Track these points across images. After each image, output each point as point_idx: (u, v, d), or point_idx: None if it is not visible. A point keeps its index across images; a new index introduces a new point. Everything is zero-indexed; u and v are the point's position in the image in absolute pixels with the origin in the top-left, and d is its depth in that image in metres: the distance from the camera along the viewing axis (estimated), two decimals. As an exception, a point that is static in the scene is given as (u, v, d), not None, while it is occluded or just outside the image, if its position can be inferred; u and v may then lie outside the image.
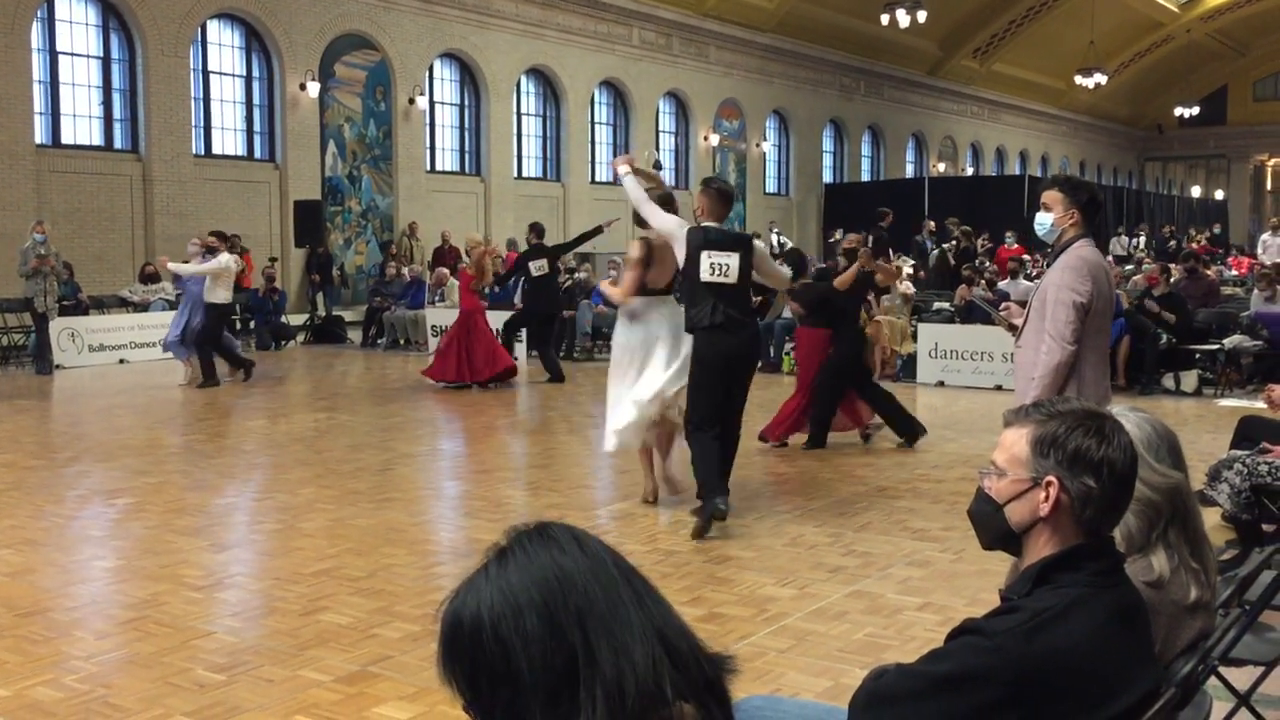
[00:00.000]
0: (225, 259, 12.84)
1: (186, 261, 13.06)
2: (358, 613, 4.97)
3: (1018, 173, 38.61)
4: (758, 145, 30.69)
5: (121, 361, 15.13)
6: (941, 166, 37.25)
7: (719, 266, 6.38)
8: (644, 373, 6.90)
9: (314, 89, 20.29)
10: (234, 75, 19.95)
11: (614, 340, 7.20)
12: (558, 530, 1.38)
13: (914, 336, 13.65)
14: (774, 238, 25.84)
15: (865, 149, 35.37)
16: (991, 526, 2.21)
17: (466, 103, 23.83)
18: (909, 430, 9.02)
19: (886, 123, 35.35)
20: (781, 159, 32.32)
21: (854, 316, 9.25)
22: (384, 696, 4.05)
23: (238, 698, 4.04)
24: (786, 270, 7.64)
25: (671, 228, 6.60)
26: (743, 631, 4.65)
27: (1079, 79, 36.35)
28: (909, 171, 36.47)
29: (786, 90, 31.17)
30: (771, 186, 31.98)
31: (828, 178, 33.54)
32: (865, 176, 34.77)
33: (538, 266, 13.34)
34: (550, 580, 1.32)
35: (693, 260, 6.39)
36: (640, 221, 6.94)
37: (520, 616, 1.30)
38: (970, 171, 38.85)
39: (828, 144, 33.88)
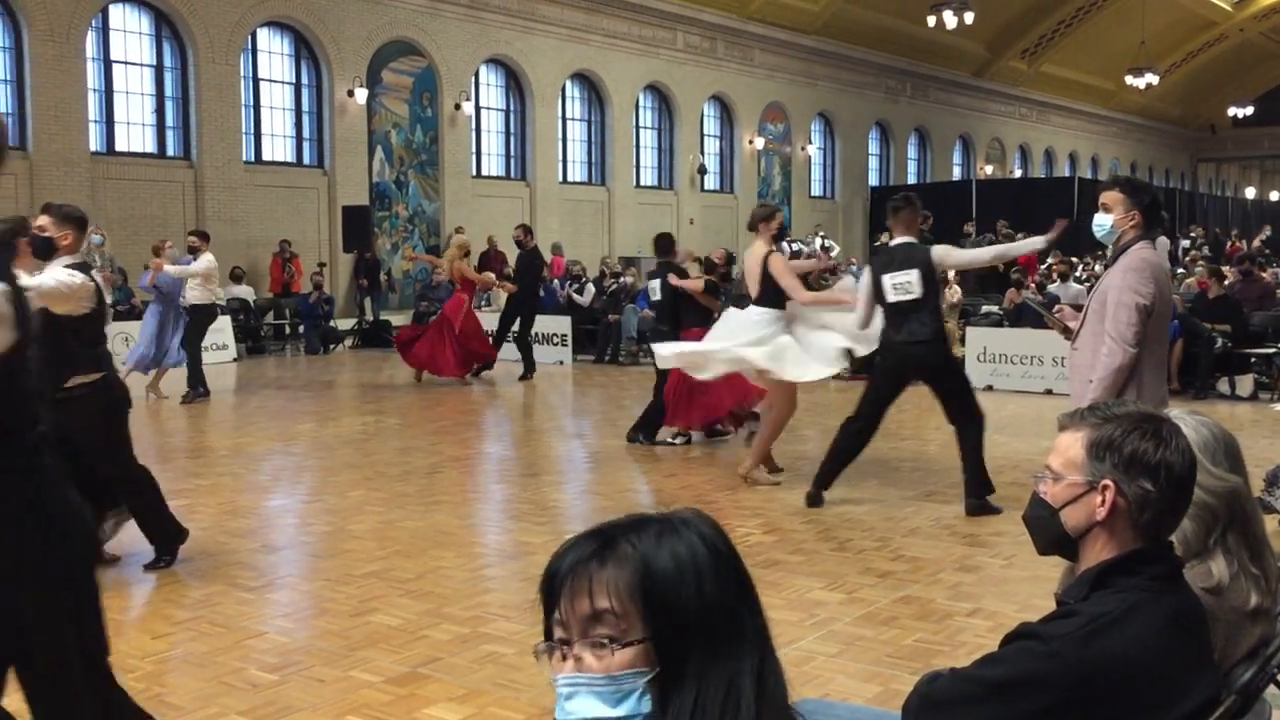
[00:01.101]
0: (211, 258, 12.33)
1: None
2: (407, 614, 5.01)
3: (1067, 175, 38.20)
4: (803, 148, 30.59)
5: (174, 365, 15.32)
6: (989, 169, 36.93)
7: (901, 286, 6.83)
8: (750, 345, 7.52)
9: (362, 95, 20.50)
10: (283, 82, 20.20)
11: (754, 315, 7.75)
12: (685, 515, 1.43)
13: (962, 340, 13.54)
14: (818, 241, 25.74)
15: (911, 151, 35.15)
16: (1047, 531, 2.20)
17: (512, 108, 23.96)
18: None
19: (933, 125, 35.11)
20: (826, 162, 32.19)
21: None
22: (434, 698, 4.08)
23: (290, 697, 4.09)
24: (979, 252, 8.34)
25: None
26: (791, 636, 4.64)
27: (1130, 79, 35.89)
28: (956, 174, 36.18)
29: (831, 93, 31.05)
30: (817, 190, 31.87)
31: (873, 181, 33.35)
32: (911, 179, 34.53)
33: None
34: (714, 556, 1.37)
35: (876, 284, 6.89)
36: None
37: (699, 570, 1.34)
38: (1018, 174, 38.48)
39: (873, 147, 33.70)
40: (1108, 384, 4.43)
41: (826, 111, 31.33)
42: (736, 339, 7.57)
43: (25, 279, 4.52)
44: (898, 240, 7.06)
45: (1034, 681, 1.92)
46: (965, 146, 37.14)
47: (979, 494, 6.86)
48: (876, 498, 7.31)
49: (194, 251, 12.50)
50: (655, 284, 10.30)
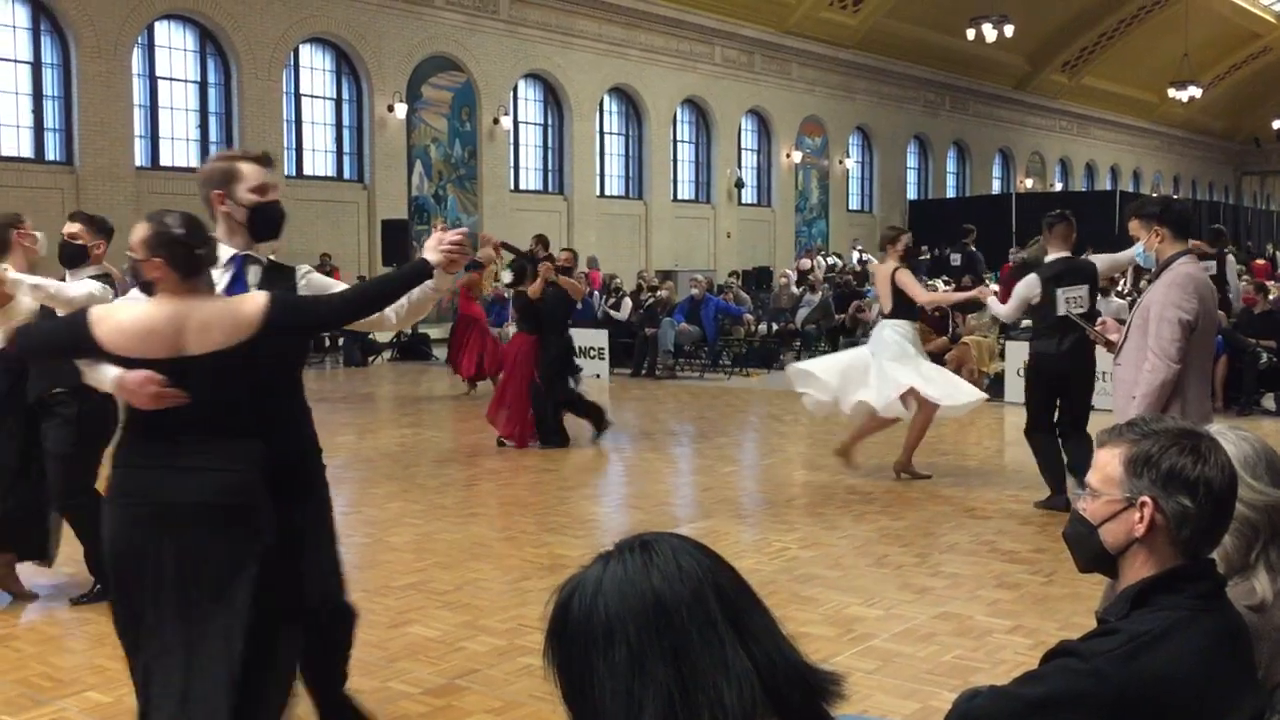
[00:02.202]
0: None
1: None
2: (445, 626, 5.04)
3: (1109, 188, 37.88)
4: (840, 162, 30.54)
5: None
6: (1029, 182, 36.70)
7: (1075, 300, 7.12)
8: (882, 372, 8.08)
9: (401, 110, 20.71)
10: (324, 98, 20.45)
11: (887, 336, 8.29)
12: (663, 550, 1.37)
13: (1001, 355, 13.45)
14: (856, 255, 25.67)
15: (950, 165, 35.00)
16: (1087, 548, 2.19)
17: (550, 122, 24.10)
18: (601, 421, 10.24)
19: (972, 138, 34.95)
20: (865, 176, 32.12)
21: (560, 324, 10.14)
22: (471, 710, 4.10)
23: (329, 707, 4.12)
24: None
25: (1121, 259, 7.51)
26: (828, 651, 4.62)
27: (1172, 92, 35.56)
28: (995, 188, 35.98)
29: (870, 106, 30.99)
30: (854, 204, 31.79)
31: (912, 194, 33.24)
32: (950, 193, 34.38)
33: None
34: (647, 613, 1.31)
35: (1048, 296, 7.12)
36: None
37: (611, 645, 1.30)
38: (1059, 187, 38.20)
39: (912, 160, 33.59)
40: (1150, 399, 4.40)
41: (865, 125, 31.26)
42: (880, 358, 8.15)
43: (35, 279, 4.59)
44: (1061, 255, 7.33)
45: (1074, 700, 1.91)
46: (1005, 160, 36.93)
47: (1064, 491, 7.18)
48: (915, 513, 7.27)
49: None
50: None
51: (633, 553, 1.37)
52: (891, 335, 8.18)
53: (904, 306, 8.19)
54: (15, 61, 16.64)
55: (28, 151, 16.80)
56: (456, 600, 5.44)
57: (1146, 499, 2.02)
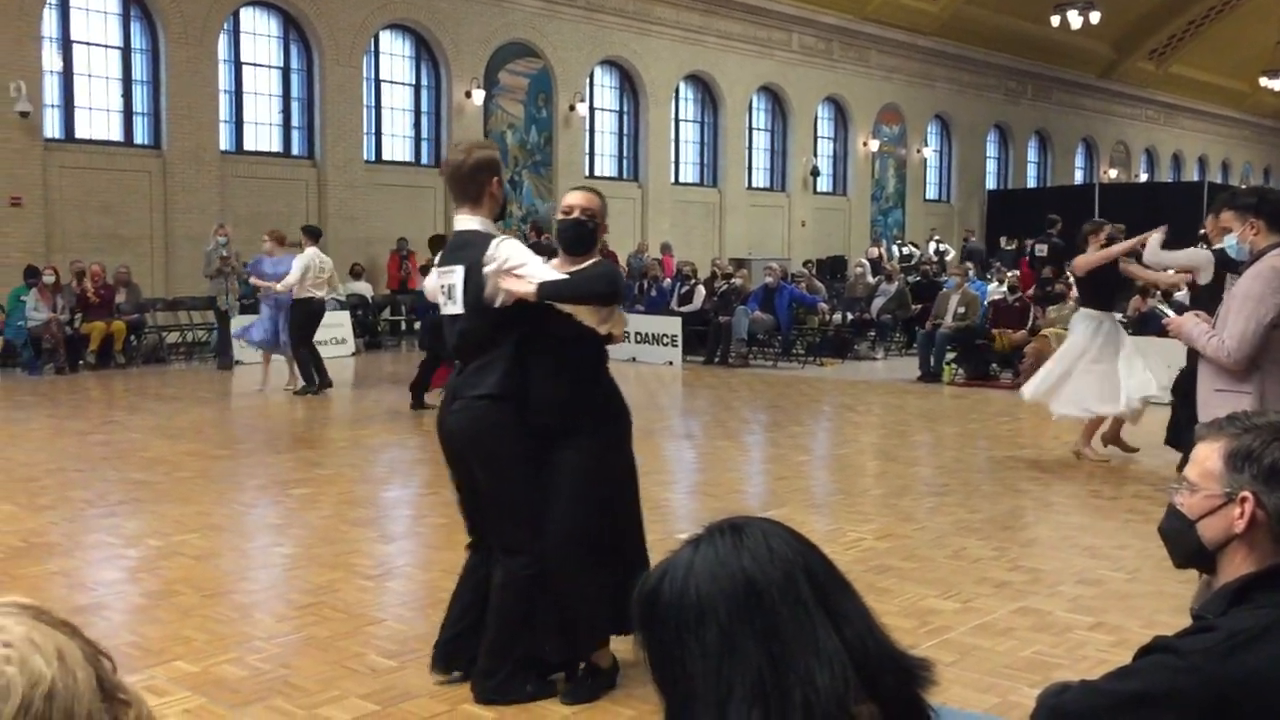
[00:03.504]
0: (309, 254, 12.41)
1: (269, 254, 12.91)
2: (520, 607, 5.08)
3: (1196, 179, 36.92)
4: (918, 151, 30.16)
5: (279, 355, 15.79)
6: (1113, 173, 35.91)
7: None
8: (1085, 376, 8.54)
9: (479, 96, 20.85)
10: (403, 84, 20.66)
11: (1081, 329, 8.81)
12: (753, 533, 1.36)
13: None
14: (933, 245, 25.35)
15: (1031, 154, 34.37)
16: (1183, 544, 2.15)
17: (625, 109, 24.11)
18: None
19: (1055, 127, 34.29)
20: (943, 165, 31.68)
21: None
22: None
23: (409, 683, 4.20)
24: None
25: (1195, 260, 7.89)
26: (905, 643, 4.58)
27: (1264, 81, 34.54)
28: (1078, 178, 35.26)
29: (949, 94, 30.54)
30: (932, 193, 31.38)
31: (991, 184, 32.71)
32: (1031, 183, 33.77)
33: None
34: (738, 594, 1.31)
35: (1218, 280, 7.28)
36: None
37: (703, 625, 1.30)
38: (1144, 178, 37.32)
39: (992, 149, 33.05)
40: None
41: (944, 113, 30.83)
42: (1073, 354, 8.64)
43: None
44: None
45: (1168, 697, 1.87)
46: (1088, 149, 36.18)
47: None
48: (992, 506, 7.18)
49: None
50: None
51: (723, 535, 1.37)
52: (1090, 326, 8.65)
53: (1093, 296, 8.66)
54: (106, 47, 17.04)
55: (117, 135, 17.21)
56: (532, 582, 5.48)
57: (1247, 494, 1.98)
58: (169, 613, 4.99)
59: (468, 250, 3.97)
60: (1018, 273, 17.01)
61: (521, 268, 3.85)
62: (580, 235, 4.10)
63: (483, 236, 3.98)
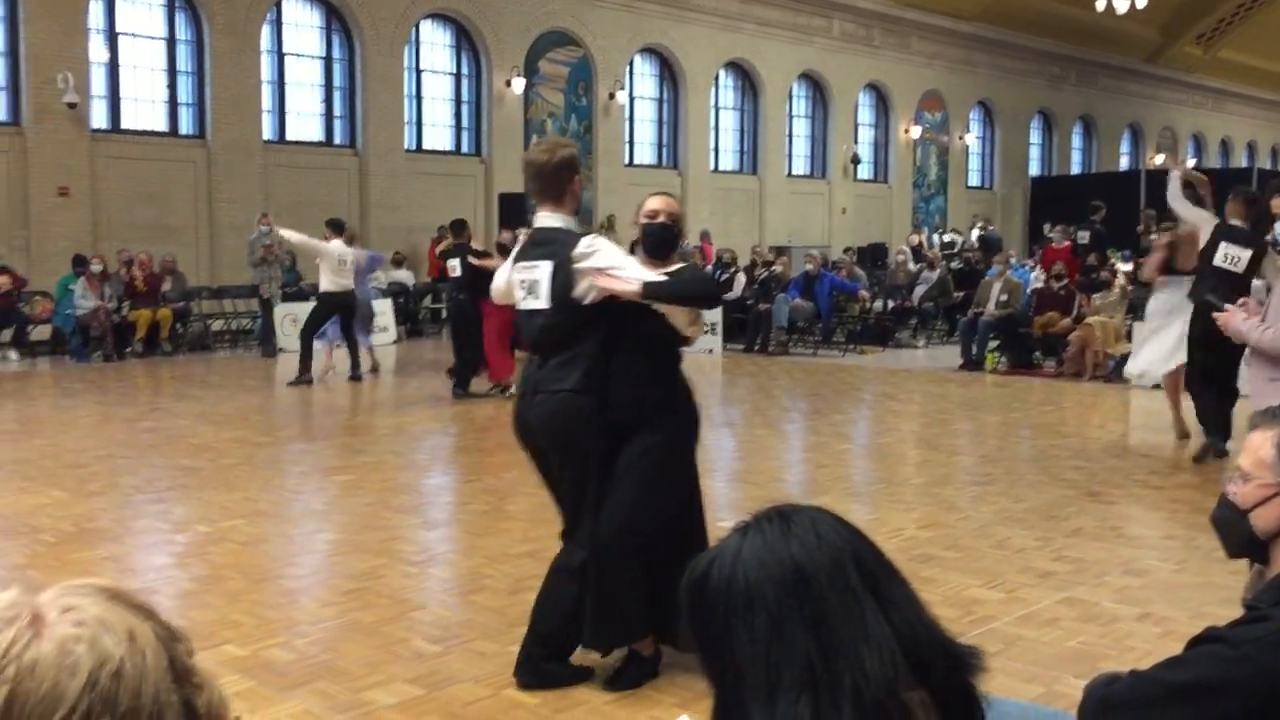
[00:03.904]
0: (332, 245, 12.46)
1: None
2: (563, 594, 5.10)
3: (1245, 165, 36.32)
4: (961, 137, 29.89)
5: (339, 346, 15.92)
6: (1160, 159, 35.39)
7: (1231, 257, 7.73)
8: (1155, 338, 9.02)
9: (519, 85, 20.89)
10: (444, 73, 20.73)
11: (1149, 306, 9.38)
12: (801, 520, 1.36)
13: (1128, 336, 13.05)
14: (975, 232, 25.12)
15: (1076, 140, 33.97)
16: (1236, 534, 2.13)
17: (665, 97, 24.07)
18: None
19: (1099, 113, 33.85)
20: (985, 151, 31.38)
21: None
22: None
23: (453, 668, 4.23)
24: None
25: (1199, 219, 8.21)
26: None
27: (1316, 64, 33.89)
28: (1123, 164, 34.80)
29: (992, 80, 30.23)
30: (975, 180, 31.10)
31: (1034, 170, 32.35)
32: (1076, 169, 33.38)
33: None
34: (786, 581, 1.31)
35: (1211, 246, 7.84)
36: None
37: (751, 612, 1.30)
38: (1192, 164, 36.73)
39: (1035, 136, 32.69)
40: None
41: (986, 100, 30.52)
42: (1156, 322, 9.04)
43: None
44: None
45: (1220, 687, 1.86)
46: (1134, 135, 35.69)
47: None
48: (1036, 496, 7.12)
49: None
50: (456, 262, 11.57)
51: (771, 522, 1.37)
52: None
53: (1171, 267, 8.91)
54: (151, 38, 17.23)
55: (162, 126, 17.41)
56: (573, 569, 5.50)
57: (1303, 484, 1.96)
58: (218, 597, 5.06)
59: (553, 246, 4.03)
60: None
61: (619, 268, 3.94)
62: (665, 238, 4.23)
63: (568, 234, 4.06)
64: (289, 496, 7.22)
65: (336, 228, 12.83)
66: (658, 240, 4.21)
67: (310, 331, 12.59)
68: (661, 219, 4.21)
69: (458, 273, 11.53)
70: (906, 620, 1.34)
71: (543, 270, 4.03)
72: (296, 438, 9.44)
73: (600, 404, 3.99)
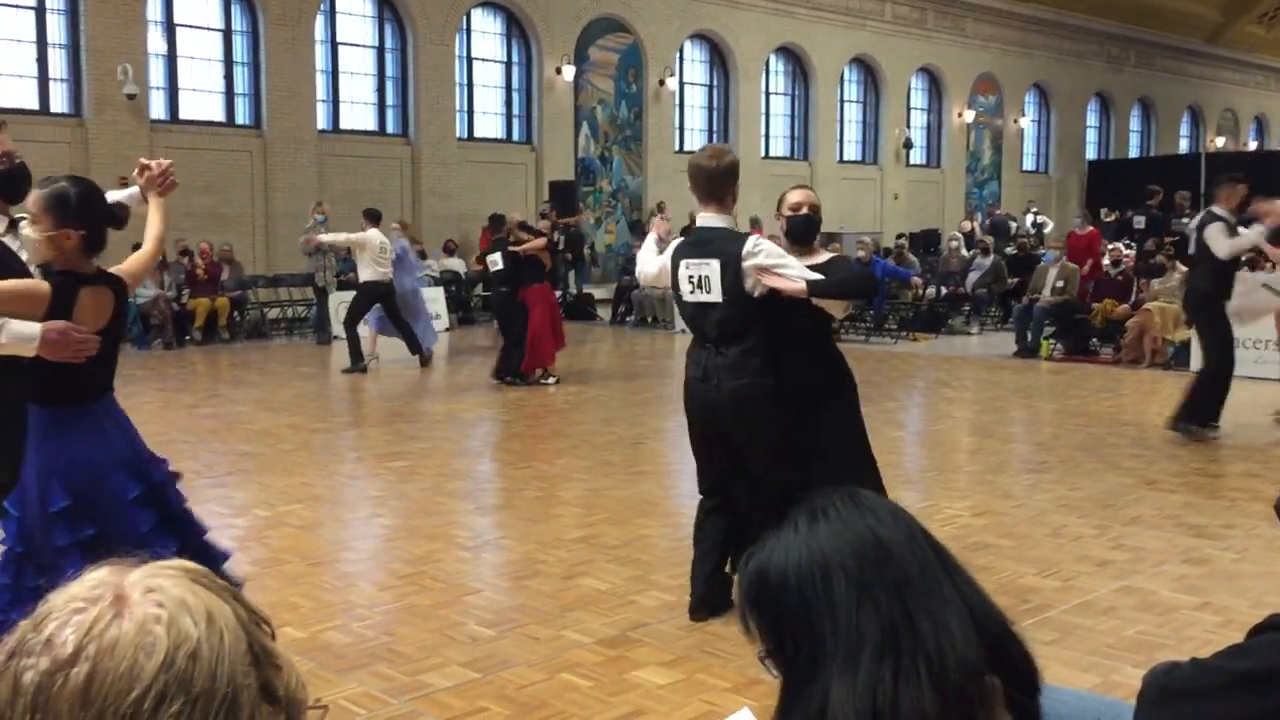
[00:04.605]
0: (370, 234, 12.49)
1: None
2: (615, 580, 5.15)
3: (1308, 147, 35.52)
4: (1015, 121, 29.50)
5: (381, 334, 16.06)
6: (1220, 141, 34.71)
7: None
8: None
9: (569, 73, 20.91)
10: (495, 61, 20.80)
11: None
12: (872, 498, 1.37)
13: (1187, 323, 12.82)
14: (1031, 218, 24.78)
15: (1134, 123, 33.39)
16: (1301, 521, 2.09)
17: (715, 83, 23.98)
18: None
19: (1158, 95, 33.24)
20: (1041, 135, 30.95)
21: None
22: (643, 661, 4.19)
23: (507, 652, 4.28)
24: None
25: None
26: (1003, 621, 4.53)
27: (1384, 42, 33.02)
28: (1183, 147, 34.16)
29: (1048, 63, 29.78)
30: (1030, 164, 30.70)
31: (1091, 154, 31.86)
32: (1133, 153, 32.82)
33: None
34: (865, 547, 1.31)
35: None
36: None
37: (829, 580, 1.29)
38: (1254, 146, 36.00)
39: (1092, 119, 32.18)
40: None
41: (1042, 82, 30.08)
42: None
43: None
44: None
45: (1284, 677, 1.83)
46: (1194, 118, 35.03)
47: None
48: (1093, 483, 7.04)
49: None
50: (496, 256, 11.66)
51: (841, 502, 1.37)
52: None
53: None
54: (208, 29, 17.45)
55: (219, 116, 17.64)
56: (626, 555, 5.55)
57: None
58: (277, 580, 5.15)
59: (720, 245, 4.50)
60: (1120, 246, 16.55)
61: (784, 267, 4.39)
62: (810, 229, 4.78)
63: (732, 233, 4.57)
64: (345, 482, 7.32)
65: (373, 217, 12.93)
66: (803, 231, 4.75)
67: (353, 322, 12.71)
68: (805, 211, 4.73)
69: (499, 266, 11.61)
70: (976, 598, 1.35)
71: (713, 267, 4.48)
72: (351, 424, 9.56)
73: (775, 382, 4.52)
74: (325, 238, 13.23)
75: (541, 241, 11.55)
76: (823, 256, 4.68)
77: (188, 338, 15.29)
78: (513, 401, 10.63)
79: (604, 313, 19.08)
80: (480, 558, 5.63)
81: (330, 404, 10.74)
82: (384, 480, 7.31)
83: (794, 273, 4.37)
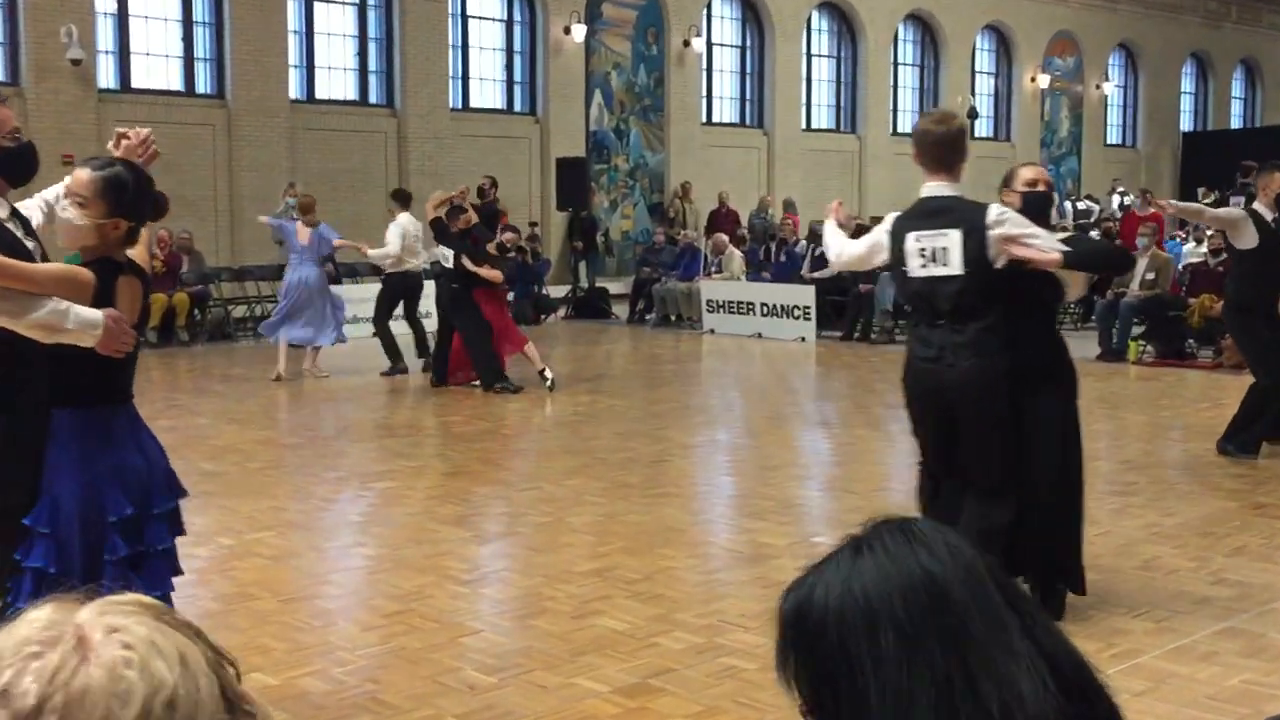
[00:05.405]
0: (404, 221, 12.61)
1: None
2: (635, 619, 5.15)
3: None
4: (1097, 87, 29.42)
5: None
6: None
7: None
8: None
9: (579, 33, 20.96)
10: (494, 19, 20.89)
11: None
12: (926, 529, 1.36)
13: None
14: (1116, 198, 24.71)
15: (1236, 89, 33.25)
16: None
17: (748, 44, 24.00)
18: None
19: (1264, 55, 33.09)
20: (1127, 103, 30.86)
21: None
22: (668, 713, 4.19)
23: (510, 703, 4.29)
24: None
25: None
26: (1085, 668, 4.52)
27: None
28: (1293, 115, 33.99)
29: (1135, 19, 29.70)
30: (1114, 137, 30.61)
31: (1186, 125, 31.75)
32: (1236, 123, 32.68)
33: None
34: (918, 590, 1.29)
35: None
36: None
37: (875, 630, 1.28)
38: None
39: (1187, 84, 32.07)
40: None
41: (1128, 42, 29.99)
42: None
43: None
44: None
45: None
46: (1306, 82, 34.84)
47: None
48: (1189, 509, 7.01)
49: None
50: (447, 252, 11.73)
51: (890, 533, 1.36)
52: None
53: None
54: (165, -15, 17.55)
55: (177, 84, 17.75)
56: (647, 591, 5.55)
57: None
58: (245, 619, 5.17)
59: (960, 214, 4.85)
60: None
61: (1032, 236, 4.77)
62: (1047, 206, 5.33)
63: (967, 203, 4.93)
64: (322, 505, 7.35)
65: (403, 200, 13.06)
66: (1040, 208, 5.16)
67: (383, 319, 12.87)
68: (1040, 187, 5.20)
69: (449, 263, 11.57)
70: (1055, 645, 1.34)
71: (952, 238, 4.82)
72: (329, 438, 9.59)
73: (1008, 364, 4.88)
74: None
75: (498, 275, 11.49)
76: (1063, 235, 5.14)
77: (141, 339, 15.34)
78: (514, 414, 10.65)
79: (620, 310, 19.13)
80: (478, 593, 5.64)
81: (305, 416, 10.79)
82: (367, 503, 7.35)
83: (1045, 242, 4.76)
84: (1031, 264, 4.75)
